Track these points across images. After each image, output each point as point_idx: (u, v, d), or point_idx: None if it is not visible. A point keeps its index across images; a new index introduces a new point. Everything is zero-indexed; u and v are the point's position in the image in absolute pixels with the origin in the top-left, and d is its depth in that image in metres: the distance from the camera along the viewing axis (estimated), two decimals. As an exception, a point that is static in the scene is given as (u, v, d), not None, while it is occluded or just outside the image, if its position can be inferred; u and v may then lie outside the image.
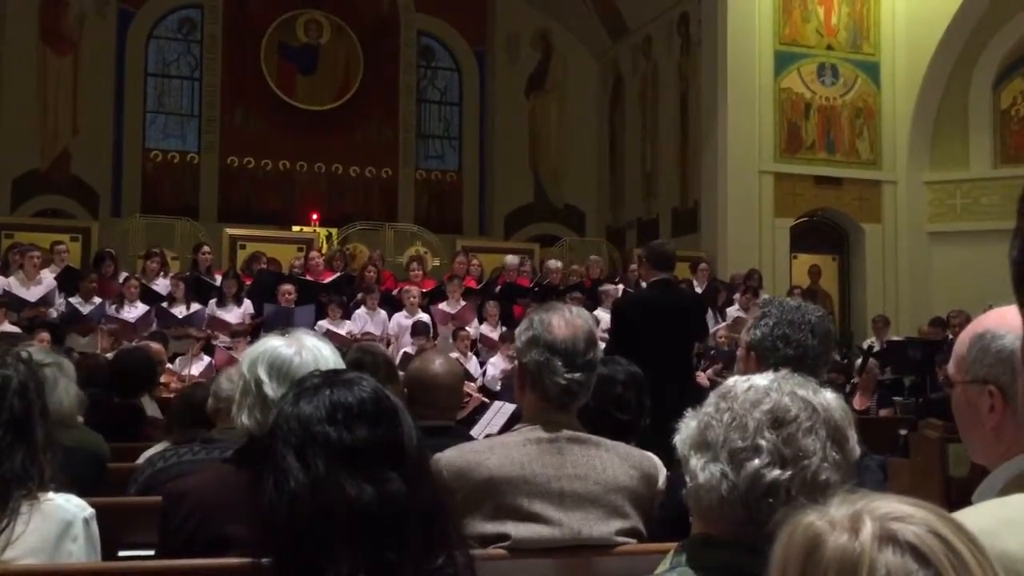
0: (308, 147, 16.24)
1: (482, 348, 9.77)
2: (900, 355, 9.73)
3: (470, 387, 8.32)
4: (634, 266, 11.92)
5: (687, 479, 1.43)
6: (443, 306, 9.91)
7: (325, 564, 1.19)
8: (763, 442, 1.37)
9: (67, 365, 2.81)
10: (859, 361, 10.52)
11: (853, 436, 1.43)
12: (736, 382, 1.45)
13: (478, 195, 17.43)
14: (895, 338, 11.13)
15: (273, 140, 16.18)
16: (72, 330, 8.85)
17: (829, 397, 1.45)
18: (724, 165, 13.00)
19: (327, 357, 2.14)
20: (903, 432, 6.90)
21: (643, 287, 10.43)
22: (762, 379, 1.44)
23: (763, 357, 2.29)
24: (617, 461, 2.25)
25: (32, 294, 8.93)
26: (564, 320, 2.25)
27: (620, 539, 2.21)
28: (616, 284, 10.70)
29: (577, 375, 2.22)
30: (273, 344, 2.14)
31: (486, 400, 7.98)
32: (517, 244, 14.67)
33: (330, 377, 1.34)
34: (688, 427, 1.45)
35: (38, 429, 2.04)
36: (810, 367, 2.28)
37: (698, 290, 10.63)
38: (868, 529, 0.90)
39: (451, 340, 9.39)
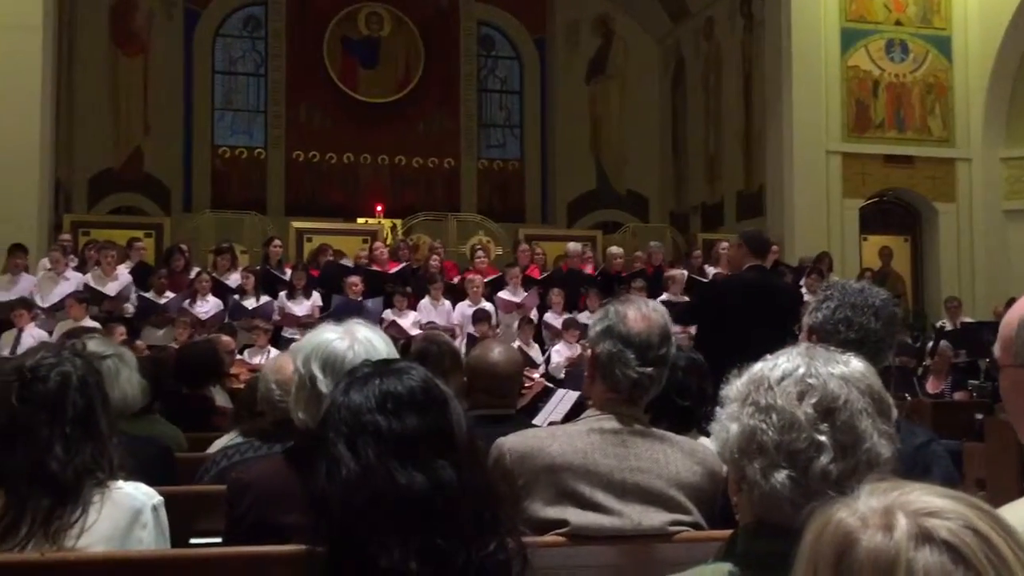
0: (371, 139, 16.41)
1: (546, 335, 9.78)
2: (975, 337, 9.47)
3: (533, 374, 8.35)
4: (698, 252, 11.81)
5: (740, 486, 1.38)
6: (505, 294, 9.93)
7: (377, 551, 1.20)
8: (822, 437, 1.32)
9: (128, 355, 2.87)
10: (931, 344, 10.27)
11: (889, 398, 1.39)
12: (763, 369, 1.38)
13: (540, 183, 17.41)
14: (969, 320, 10.83)
15: (337, 133, 16.39)
16: (148, 323, 9.11)
17: (859, 365, 1.39)
18: (790, 146, 12.76)
19: (380, 350, 2.14)
20: (979, 416, 6.73)
21: (710, 272, 10.32)
22: (787, 361, 1.39)
23: (824, 340, 2.24)
24: (681, 456, 2.23)
25: (110, 289, 9.21)
26: (640, 313, 2.24)
27: (679, 529, 2.19)
28: (681, 270, 10.59)
29: (649, 369, 2.20)
30: (327, 338, 2.15)
31: (549, 386, 8.00)
32: (579, 231, 14.62)
33: (380, 367, 1.35)
34: (727, 429, 1.38)
35: (102, 420, 2.09)
36: (873, 350, 2.22)
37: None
38: (902, 527, 0.87)
39: (515, 328, 9.43)
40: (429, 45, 16.88)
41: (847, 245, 12.77)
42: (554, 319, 9.83)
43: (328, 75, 16.50)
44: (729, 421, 1.40)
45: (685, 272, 10.40)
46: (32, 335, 8.15)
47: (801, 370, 1.38)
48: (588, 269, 10.96)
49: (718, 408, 1.44)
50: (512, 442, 2.22)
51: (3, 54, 10.70)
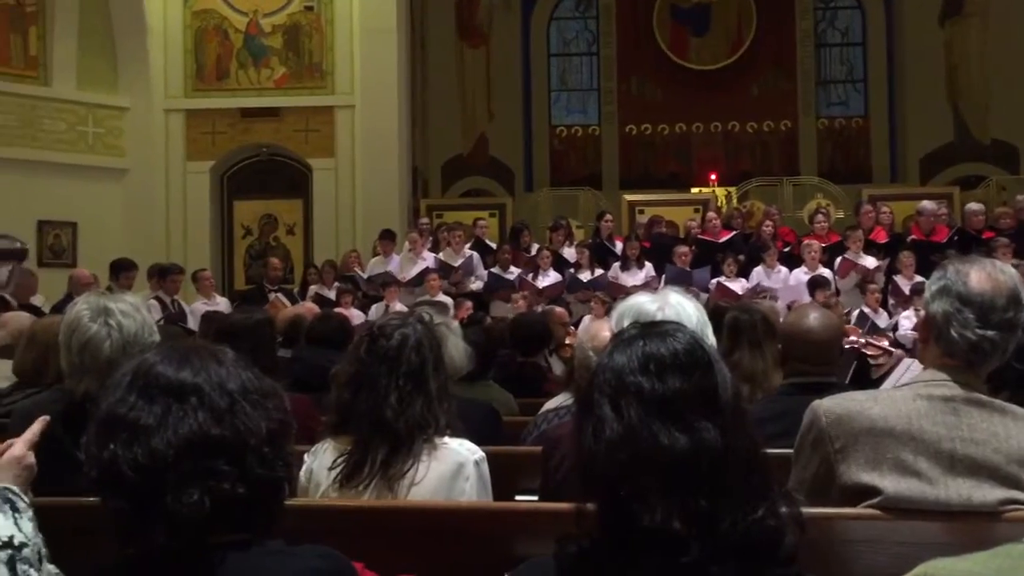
0: (704, 108, 16.24)
1: (893, 302, 9.13)
2: None
3: (882, 342, 7.85)
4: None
5: None
6: (849, 256, 9.41)
7: (640, 509, 1.23)
8: None
9: (454, 324, 3.18)
10: None
11: None
12: None
13: (888, 139, 16.20)
14: None
15: (669, 104, 16.41)
16: (496, 297, 9.79)
17: None
18: None
19: (689, 314, 2.24)
20: None
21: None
22: None
23: None
24: None
25: (456, 262, 10.05)
26: (985, 273, 2.03)
27: (1014, 508, 1.98)
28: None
29: (991, 333, 1.99)
30: (641, 300, 2.32)
31: (902, 354, 7.51)
32: (933, 189, 13.42)
33: (646, 329, 1.37)
34: None
35: (432, 381, 2.35)
36: None
37: None
38: None
39: (862, 293, 8.91)
40: (762, 4, 16.31)
41: None
42: (903, 284, 9.13)
43: (658, 46, 16.53)
44: None
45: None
46: (396, 307, 9.09)
47: None
48: (942, 229, 10.03)
49: None
50: (829, 404, 2.11)
51: (366, 56, 11.95)
